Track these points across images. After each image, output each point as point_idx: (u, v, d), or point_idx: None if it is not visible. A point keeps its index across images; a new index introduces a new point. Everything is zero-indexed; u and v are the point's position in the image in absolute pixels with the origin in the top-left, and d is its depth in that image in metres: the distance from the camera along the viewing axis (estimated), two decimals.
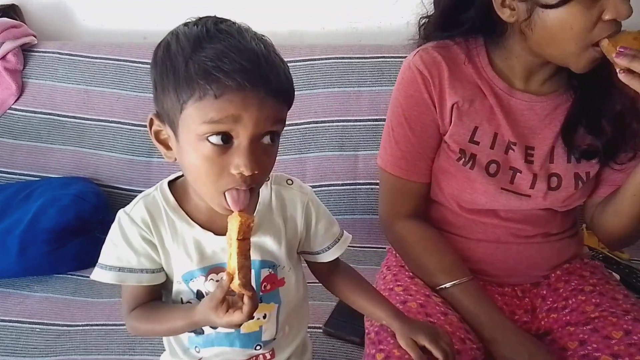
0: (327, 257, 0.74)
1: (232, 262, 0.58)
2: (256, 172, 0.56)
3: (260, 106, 0.55)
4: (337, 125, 1.37)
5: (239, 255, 0.57)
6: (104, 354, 0.95)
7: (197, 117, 0.55)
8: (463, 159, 0.86)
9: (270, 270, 0.69)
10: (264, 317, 0.69)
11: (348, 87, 1.37)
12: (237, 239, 0.57)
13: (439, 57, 0.85)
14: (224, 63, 0.53)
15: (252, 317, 0.59)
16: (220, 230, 0.64)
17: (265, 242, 0.68)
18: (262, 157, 0.57)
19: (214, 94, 0.53)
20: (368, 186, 1.36)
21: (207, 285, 0.66)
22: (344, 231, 0.76)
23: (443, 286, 0.86)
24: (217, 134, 0.55)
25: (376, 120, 1.36)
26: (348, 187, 1.36)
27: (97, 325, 1.02)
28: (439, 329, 0.75)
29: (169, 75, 0.56)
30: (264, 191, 0.69)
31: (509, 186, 0.86)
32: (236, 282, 0.57)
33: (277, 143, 0.60)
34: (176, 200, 0.66)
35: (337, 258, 0.75)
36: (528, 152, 0.86)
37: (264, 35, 0.60)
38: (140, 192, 1.39)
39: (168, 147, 0.61)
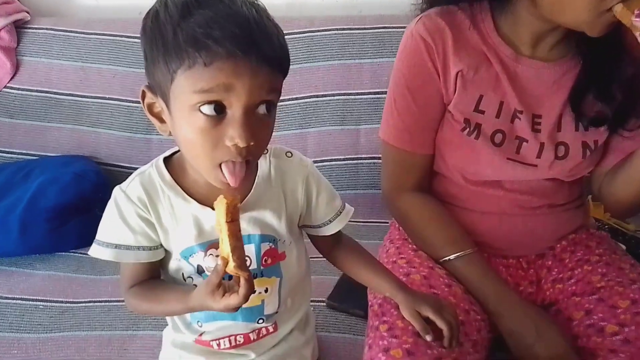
0: (329, 230, 0.73)
1: (224, 246, 0.57)
2: (252, 143, 0.54)
3: (253, 74, 0.53)
4: (338, 99, 1.35)
5: (230, 237, 0.56)
6: (107, 330, 0.95)
7: (187, 87, 0.53)
8: (468, 129, 0.84)
9: (271, 244, 0.68)
10: (266, 290, 0.69)
11: (349, 59, 1.35)
12: (226, 222, 0.56)
13: (442, 24, 0.82)
14: (213, 30, 0.51)
15: (248, 300, 0.58)
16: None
17: (265, 216, 0.67)
18: (258, 128, 0.55)
19: (203, 61, 0.52)
20: (370, 160, 1.35)
21: (206, 261, 0.65)
22: (346, 204, 0.74)
23: (447, 258, 0.85)
24: (209, 103, 0.53)
25: (378, 93, 1.33)
26: (350, 161, 1.35)
27: (100, 301, 1.02)
28: (443, 300, 0.74)
29: (157, 44, 0.54)
30: (263, 164, 0.67)
31: (514, 156, 0.85)
32: (231, 264, 0.56)
33: (273, 114, 0.58)
34: (172, 177, 0.64)
35: (340, 231, 0.74)
36: (535, 120, 0.84)
37: (256, 0, 0.57)
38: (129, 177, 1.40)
39: (162, 120, 0.59)
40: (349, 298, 1.01)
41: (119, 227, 0.64)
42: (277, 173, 0.68)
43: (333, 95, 1.35)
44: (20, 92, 1.39)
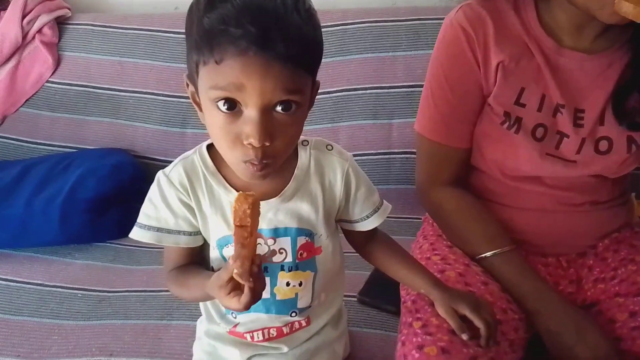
0: (366, 225, 0.71)
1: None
2: (267, 143, 0.54)
3: (264, 74, 0.51)
4: (371, 93, 1.33)
5: (235, 243, 0.53)
6: (142, 319, 0.97)
7: (206, 82, 0.54)
8: (508, 123, 0.81)
9: (307, 238, 0.67)
10: (300, 284, 0.68)
11: (382, 52, 1.32)
12: (235, 225, 0.53)
13: (483, 13, 0.79)
14: (228, 26, 0.50)
15: (249, 308, 0.56)
16: (257, 194, 0.63)
17: (302, 209, 0.66)
18: (276, 128, 0.54)
19: (214, 59, 0.51)
20: (403, 155, 1.33)
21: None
22: (384, 200, 0.73)
23: (484, 255, 0.83)
24: (224, 100, 0.53)
25: (412, 86, 1.31)
26: (382, 156, 1.33)
27: (135, 291, 1.04)
28: (481, 298, 0.72)
29: (187, 37, 0.56)
30: (303, 156, 0.66)
31: (554, 152, 0.81)
32: (235, 269, 0.54)
33: (296, 113, 0.55)
34: (214, 164, 0.64)
35: (375, 227, 0.73)
36: (577, 115, 0.80)
37: None
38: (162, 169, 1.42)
39: (202, 110, 0.60)
40: (381, 294, 1.00)
41: (161, 210, 0.64)
42: (316, 165, 0.67)
43: (366, 88, 1.33)
44: (60, 86, 1.43)
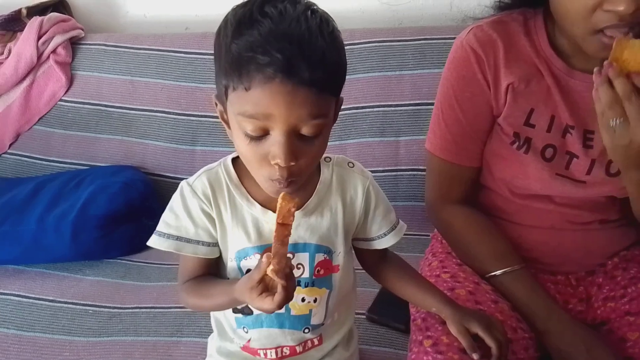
0: (382, 244, 0.72)
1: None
2: (292, 163, 0.55)
3: (291, 101, 0.52)
4: (378, 111, 1.35)
5: (275, 240, 0.55)
6: (153, 336, 0.98)
7: (236, 107, 0.56)
8: (517, 143, 0.82)
9: (326, 255, 0.68)
10: (315, 301, 0.69)
11: (389, 71, 1.34)
12: (277, 222, 0.55)
13: (494, 35, 0.81)
14: (255, 53, 0.52)
15: (282, 308, 0.57)
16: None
17: (322, 225, 0.67)
18: (301, 150, 0.56)
19: (243, 87, 0.53)
20: (410, 172, 1.34)
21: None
22: (399, 219, 0.74)
23: (493, 274, 0.83)
24: (254, 130, 0.55)
25: (418, 104, 1.33)
26: (389, 173, 1.34)
27: (146, 307, 1.05)
28: (493, 317, 0.73)
29: (216, 60, 0.58)
30: (326, 172, 0.68)
31: (564, 172, 0.82)
32: (271, 266, 0.56)
33: (322, 135, 0.57)
34: (238, 178, 0.66)
35: (385, 247, 0.74)
36: (587, 136, 0.81)
37: (317, 9, 0.56)
38: (184, 179, 1.44)
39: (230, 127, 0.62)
40: (390, 311, 1.00)
41: (182, 219, 0.65)
42: (338, 182, 0.68)
43: (373, 106, 1.35)
44: (73, 104, 1.46)
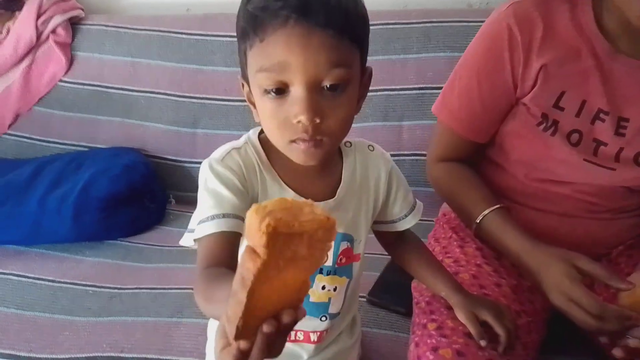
0: (404, 225, 0.71)
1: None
2: (317, 120, 0.52)
3: (306, 44, 0.50)
4: (381, 95, 1.33)
5: (237, 273, 0.35)
6: (153, 316, 0.97)
7: (253, 66, 0.54)
8: (544, 124, 0.80)
9: (348, 243, 0.66)
10: (334, 289, 0.67)
11: (393, 54, 1.32)
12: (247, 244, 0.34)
13: (534, 14, 0.77)
14: (268, 2, 0.51)
15: None
16: (310, 195, 0.60)
17: (347, 213, 0.65)
18: (325, 106, 0.53)
19: (258, 39, 0.52)
20: (413, 157, 1.33)
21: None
22: (416, 199, 0.73)
23: (477, 221, 0.83)
24: (272, 85, 0.52)
25: (422, 88, 1.31)
26: (392, 158, 1.32)
27: (146, 289, 1.04)
28: (502, 305, 0.72)
29: (237, 35, 0.57)
30: (349, 158, 0.65)
31: (592, 158, 0.79)
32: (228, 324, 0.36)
33: (346, 91, 0.54)
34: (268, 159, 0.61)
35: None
36: (621, 124, 0.78)
37: None
38: (186, 162, 1.43)
39: (256, 107, 0.59)
40: (390, 294, 1.00)
41: (222, 194, 0.57)
42: (361, 168, 0.66)
43: (376, 90, 1.33)
44: (73, 86, 1.44)
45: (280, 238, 0.32)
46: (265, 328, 0.35)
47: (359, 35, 0.55)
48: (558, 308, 0.73)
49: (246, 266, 0.33)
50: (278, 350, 0.37)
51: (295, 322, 0.35)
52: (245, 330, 0.34)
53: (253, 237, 0.33)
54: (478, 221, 0.82)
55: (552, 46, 0.77)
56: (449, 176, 0.89)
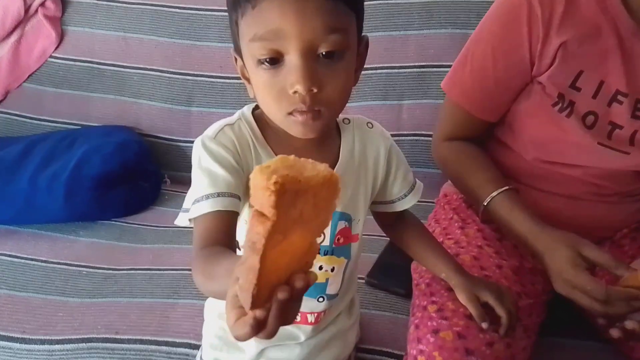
0: (403, 205, 0.69)
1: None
2: (314, 89, 0.50)
3: (300, 9, 0.48)
4: (381, 73, 1.30)
5: (246, 240, 0.34)
6: (148, 297, 0.96)
7: (246, 35, 0.51)
8: (560, 105, 0.77)
9: (346, 223, 0.64)
10: (332, 270, 0.65)
11: (393, 30, 1.29)
12: (252, 208, 0.33)
13: None
14: None
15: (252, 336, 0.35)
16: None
17: (346, 191, 0.63)
18: (322, 74, 0.51)
19: (250, 5, 0.49)
20: (413, 137, 1.30)
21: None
22: (416, 178, 0.71)
23: (484, 203, 0.81)
24: (266, 54, 0.50)
25: (423, 66, 1.28)
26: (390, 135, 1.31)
27: (141, 269, 1.03)
28: (504, 287, 0.71)
29: (228, 6, 0.54)
30: (347, 135, 0.63)
31: (606, 141, 0.77)
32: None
33: (343, 59, 0.52)
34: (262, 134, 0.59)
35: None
36: (638, 106, 0.76)
37: None
38: (180, 141, 1.40)
39: (250, 82, 0.57)
40: (389, 276, 0.99)
41: (216, 172, 0.55)
42: (360, 145, 0.64)
43: (375, 68, 1.30)
44: (64, 61, 1.40)
45: (287, 197, 0.31)
46: (280, 295, 0.33)
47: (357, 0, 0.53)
48: (563, 295, 0.72)
49: (255, 230, 0.32)
50: (293, 316, 0.36)
51: (308, 286, 0.34)
52: (259, 298, 0.33)
53: (260, 198, 0.32)
54: (486, 203, 0.80)
55: (573, 23, 0.74)
56: (456, 156, 0.86)
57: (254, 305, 0.33)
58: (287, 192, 0.31)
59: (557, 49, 0.75)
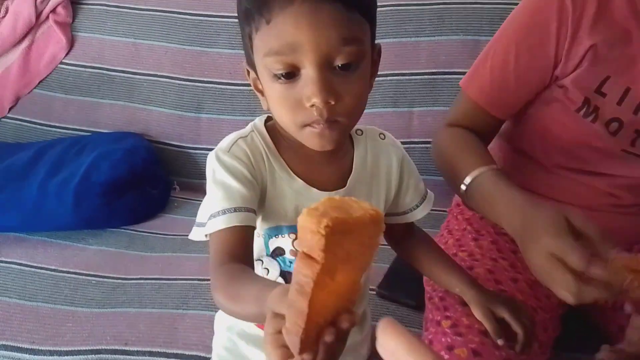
0: (415, 216, 0.68)
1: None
2: (331, 102, 0.50)
3: (315, 21, 0.48)
4: (392, 80, 1.29)
5: (293, 283, 0.34)
6: (158, 307, 0.95)
7: (261, 50, 0.51)
8: (585, 110, 0.75)
9: None
10: None
11: (404, 37, 1.28)
12: (300, 251, 0.33)
13: None
14: None
15: None
16: (319, 185, 0.59)
17: None
18: (339, 86, 0.50)
19: (264, 20, 0.49)
20: (423, 145, 1.29)
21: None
22: (427, 189, 0.70)
23: (466, 181, 0.73)
24: (282, 68, 0.50)
25: (434, 73, 1.27)
26: (402, 145, 1.29)
27: (150, 279, 1.02)
28: (519, 302, 0.69)
29: (238, 15, 0.54)
30: (359, 146, 0.62)
31: (630, 148, 0.75)
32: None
33: (359, 68, 0.52)
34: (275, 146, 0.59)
35: (412, 221, 0.70)
36: None
37: None
38: (189, 148, 1.39)
39: (263, 94, 0.57)
40: (400, 287, 0.97)
41: (232, 186, 0.55)
42: (373, 157, 0.63)
43: (386, 75, 1.29)
44: (74, 67, 1.40)
45: (336, 239, 0.31)
46: (328, 338, 0.34)
47: (368, 8, 0.53)
48: (536, 274, 0.61)
49: (303, 273, 0.32)
50: (338, 354, 0.37)
51: (353, 326, 0.35)
52: (307, 341, 0.34)
53: (309, 241, 0.32)
54: (469, 181, 0.73)
55: (604, 25, 0.72)
56: (451, 139, 0.81)
57: (302, 350, 0.34)
58: (336, 234, 0.31)
59: (587, 51, 0.72)
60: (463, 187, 0.74)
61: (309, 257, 0.32)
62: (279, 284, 0.47)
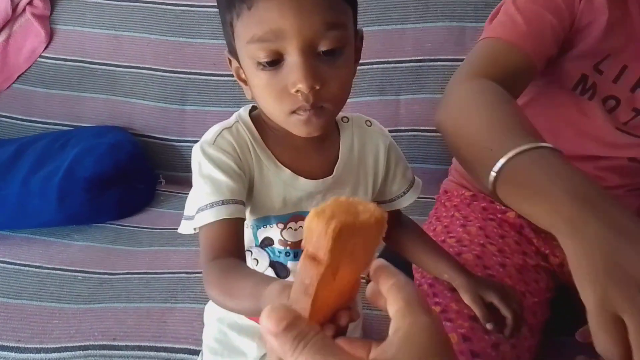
0: (402, 203, 0.68)
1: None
2: (317, 87, 0.49)
3: (299, 7, 0.47)
4: (377, 68, 1.28)
5: (296, 283, 0.34)
6: (145, 302, 0.94)
7: (243, 37, 0.50)
8: (582, 87, 0.73)
9: None
10: None
11: (389, 24, 1.27)
12: (305, 250, 0.32)
13: None
14: None
15: None
16: (306, 173, 0.58)
17: (345, 190, 0.61)
18: (323, 71, 0.50)
19: (246, 6, 0.48)
20: (410, 133, 1.29)
21: (285, 234, 0.60)
22: (414, 176, 0.70)
23: (500, 162, 0.50)
24: (266, 55, 0.49)
25: (420, 60, 1.26)
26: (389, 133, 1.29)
27: (138, 273, 1.01)
28: (508, 287, 0.69)
29: (217, 1, 0.53)
30: (346, 134, 0.62)
31: (623, 126, 0.75)
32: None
33: (344, 54, 0.51)
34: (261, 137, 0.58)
35: (399, 209, 0.69)
36: None
37: None
38: (174, 141, 1.38)
39: (247, 83, 0.56)
40: None
41: (219, 179, 0.54)
42: (359, 144, 0.62)
43: (372, 63, 1.28)
44: (54, 61, 1.38)
45: (342, 241, 0.31)
46: (327, 334, 0.34)
47: None
48: (591, 314, 0.41)
49: (308, 273, 0.32)
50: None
51: (351, 322, 0.35)
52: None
53: (316, 243, 0.32)
54: (513, 154, 0.49)
55: (611, 2, 0.70)
56: (481, 94, 0.61)
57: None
58: (342, 237, 0.31)
59: (603, 25, 0.69)
60: (500, 163, 0.50)
61: (313, 257, 0.32)
62: (273, 278, 0.45)
